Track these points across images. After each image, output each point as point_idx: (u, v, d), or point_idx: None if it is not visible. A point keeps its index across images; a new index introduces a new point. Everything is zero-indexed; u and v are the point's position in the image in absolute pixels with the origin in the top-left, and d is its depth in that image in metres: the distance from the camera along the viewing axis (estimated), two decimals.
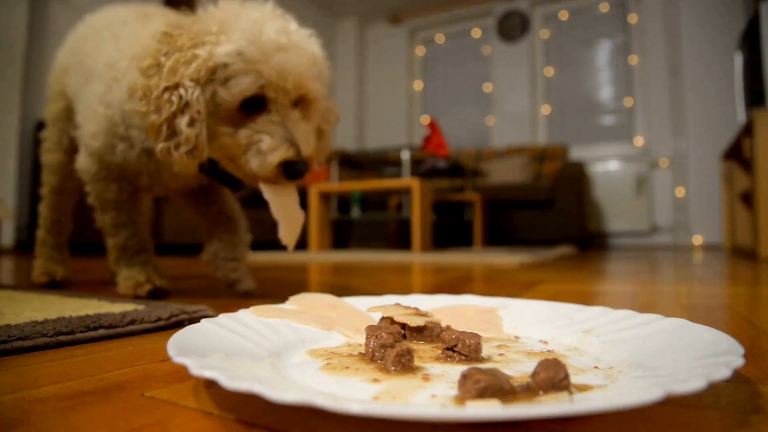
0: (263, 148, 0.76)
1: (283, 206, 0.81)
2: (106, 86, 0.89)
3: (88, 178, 0.99)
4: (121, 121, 0.89)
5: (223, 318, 0.51)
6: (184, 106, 0.74)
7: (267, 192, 0.80)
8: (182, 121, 0.74)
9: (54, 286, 1.20)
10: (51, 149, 1.20)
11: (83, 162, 0.99)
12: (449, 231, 4.36)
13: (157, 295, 0.98)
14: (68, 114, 1.15)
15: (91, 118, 0.93)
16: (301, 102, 0.80)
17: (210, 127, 0.78)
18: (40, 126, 3.36)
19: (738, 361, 0.33)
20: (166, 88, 0.74)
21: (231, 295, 1.05)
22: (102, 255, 1.38)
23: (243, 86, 0.74)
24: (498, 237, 4.34)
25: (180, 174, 0.91)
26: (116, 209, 0.99)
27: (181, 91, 0.74)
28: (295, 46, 0.75)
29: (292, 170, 0.76)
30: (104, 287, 1.20)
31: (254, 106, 0.77)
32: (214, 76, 0.75)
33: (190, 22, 0.79)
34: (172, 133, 0.76)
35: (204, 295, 1.06)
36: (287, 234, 0.82)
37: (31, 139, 3.44)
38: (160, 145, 0.76)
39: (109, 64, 0.90)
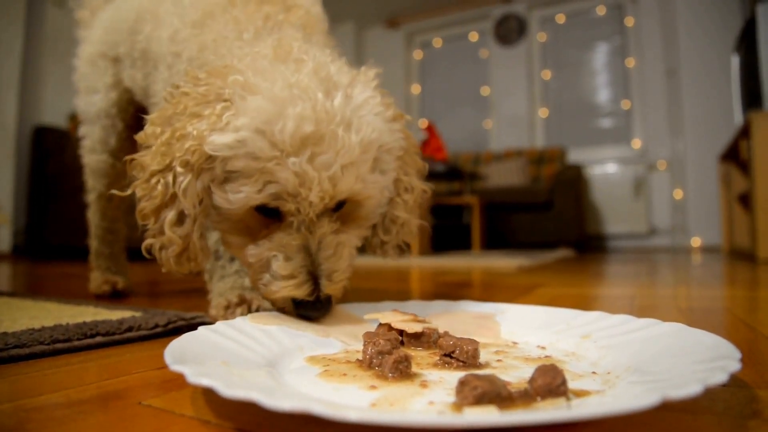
0: (273, 272, 0.59)
1: None
2: (171, 70, 0.77)
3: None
4: None
5: (221, 325, 0.51)
6: (173, 198, 0.58)
7: None
8: (167, 219, 0.58)
9: (117, 295, 1.12)
10: (94, 149, 1.07)
11: None
12: (447, 234, 4.36)
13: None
14: (119, 107, 1.04)
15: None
16: (345, 205, 0.61)
17: (217, 228, 0.62)
18: (38, 130, 3.39)
19: (735, 366, 0.33)
20: (158, 171, 0.58)
21: None
22: None
23: (245, 195, 0.55)
24: (496, 240, 4.35)
25: None
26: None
27: (169, 177, 0.57)
28: (331, 134, 0.53)
29: (304, 311, 0.59)
30: (139, 297, 1.15)
31: (272, 212, 0.58)
32: (211, 164, 0.56)
33: (209, 76, 0.59)
34: (159, 230, 0.60)
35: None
36: None
37: (29, 144, 3.43)
38: (147, 242, 0.61)
39: (171, 38, 0.77)
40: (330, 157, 0.53)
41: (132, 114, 1.07)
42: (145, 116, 0.76)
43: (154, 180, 0.58)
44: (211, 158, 0.56)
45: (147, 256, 0.62)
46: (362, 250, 0.71)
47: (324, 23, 0.81)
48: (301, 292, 0.58)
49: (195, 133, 0.55)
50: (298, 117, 0.52)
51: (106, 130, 1.06)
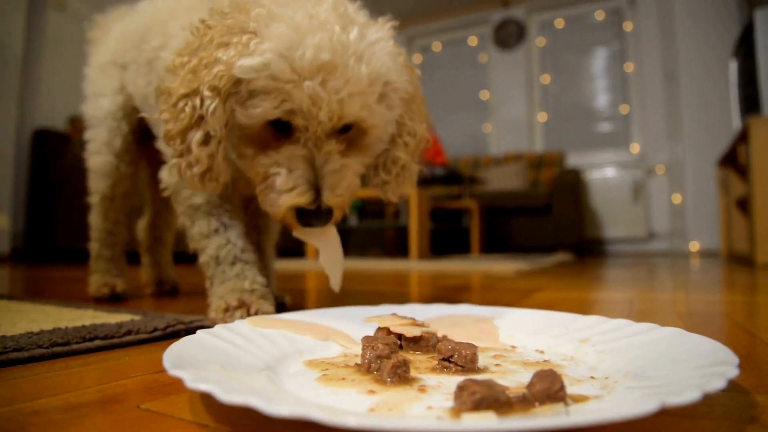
0: (277, 185, 0.63)
1: (321, 247, 0.71)
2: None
3: (176, 187, 0.86)
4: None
5: (220, 328, 0.51)
6: (199, 120, 0.63)
7: (296, 233, 0.68)
8: (194, 138, 0.63)
9: (115, 299, 1.12)
10: (99, 151, 1.09)
11: (167, 177, 0.87)
12: (447, 238, 4.36)
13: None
14: (124, 111, 1.07)
15: None
16: (352, 130, 0.65)
17: (235, 145, 0.66)
18: (38, 134, 3.39)
19: (733, 372, 0.33)
20: (184, 95, 0.63)
21: None
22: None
23: (263, 109, 0.60)
24: (495, 244, 4.35)
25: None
26: (207, 216, 0.84)
27: (197, 100, 0.62)
28: (343, 64, 0.59)
29: (304, 220, 0.64)
30: (141, 299, 1.16)
31: (283, 128, 0.63)
32: (237, 88, 0.61)
33: (234, 9, 0.64)
34: (187, 149, 0.64)
35: None
36: (329, 271, 0.73)
37: (28, 147, 3.43)
38: (173, 162, 0.66)
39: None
40: (340, 84, 0.59)
41: (136, 119, 1.09)
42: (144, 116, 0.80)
43: (181, 103, 0.63)
44: (237, 82, 0.61)
45: (176, 176, 0.67)
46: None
47: None
48: (304, 200, 0.62)
49: (224, 59, 0.60)
50: (317, 46, 0.58)
51: (112, 132, 1.08)
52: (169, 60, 0.83)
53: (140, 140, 1.13)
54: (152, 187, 1.24)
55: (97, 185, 1.12)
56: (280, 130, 0.64)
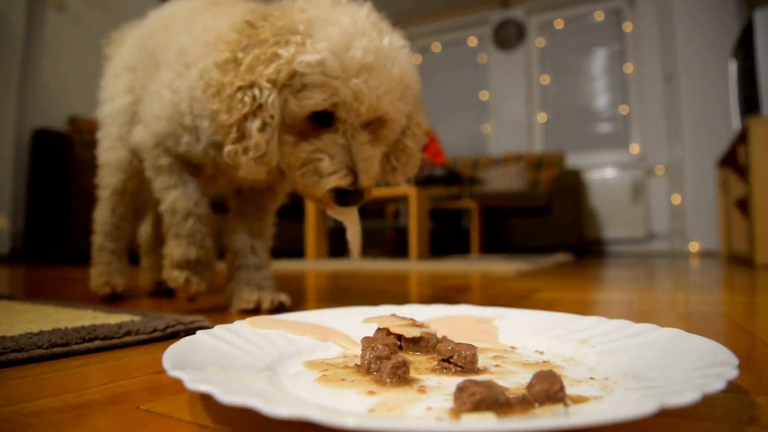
0: (321, 169, 0.72)
1: (348, 223, 0.80)
2: (175, 72, 0.86)
3: (143, 149, 0.95)
4: (189, 110, 0.85)
5: (219, 329, 0.50)
6: (258, 109, 0.70)
7: (330, 211, 0.78)
8: (254, 125, 0.70)
9: (115, 299, 1.14)
10: (113, 147, 1.14)
11: (141, 135, 0.94)
12: (446, 239, 4.36)
13: (194, 269, 0.93)
14: (134, 108, 1.10)
15: (156, 100, 0.89)
16: (375, 122, 0.74)
17: (280, 134, 0.74)
18: (38, 134, 3.38)
19: (732, 373, 0.33)
20: (240, 87, 0.70)
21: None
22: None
23: (315, 100, 0.68)
24: (495, 244, 4.35)
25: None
26: (169, 173, 0.94)
27: (256, 91, 0.69)
28: (381, 65, 0.69)
29: (343, 199, 0.72)
30: (140, 299, 1.16)
31: (323, 120, 0.71)
32: (291, 81, 0.69)
33: (277, 13, 0.72)
34: (242, 136, 0.71)
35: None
36: (352, 244, 0.82)
37: (28, 148, 3.43)
38: (229, 148, 0.72)
39: (181, 50, 0.87)
40: (378, 82, 0.69)
41: None
42: None
43: (239, 95, 0.70)
44: (292, 76, 0.69)
45: (228, 161, 0.74)
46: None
47: None
48: (345, 182, 0.71)
49: (285, 55, 0.68)
50: (364, 49, 0.67)
51: (124, 128, 1.12)
52: (164, 50, 0.91)
53: None
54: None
55: (109, 180, 1.15)
56: (320, 121, 0.72)
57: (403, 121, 0.78)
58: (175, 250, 0.93)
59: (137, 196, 1.20)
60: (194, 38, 0.87)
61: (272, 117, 0.70)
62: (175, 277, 0.93)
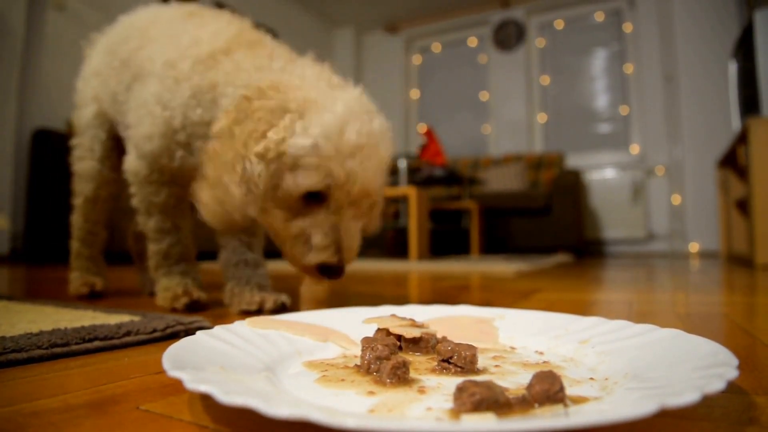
0: (313, 243, 0.75)
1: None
2: (164, 86, 0.87)
3: (137, 180, 0.96)
4: (182, 126, 0.87)
5: (219, 330, 0.50)
6: (245, 179, 0.74)
7: (311, 280, 0.82)
8: (239, 191, 0.74)
9: (95, 296, 1.18)
10: (83, 157, 1.17)
11: (134, 164, 0.96)
12: (446, 239, 4.36)
13: (194, 308, 0.95)
14: (99, 119, 1.13)
15: (145, 118, 0.90)
16: (362, 200, 0.77)
17: (264, 202, 0.76)
18: (37, 134, 3.38)
19: (732, 373, 0.33)
20: (233, 158, 0.74)
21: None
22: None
23: (311, 181, 0.71)
24: (495, 245, 4.35)
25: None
26: (162, 213, 0.96)
27: (247, 164, 0.73)
28: (372, 147, 0.73)
29: (327, 273, 0.76)
30: (140, 299, 1.18)
31: (316, 197, 0.75)
32: (282, 159, 0.72)
33: (271, 92, 0.75)
34: (225, 193, 0.75)
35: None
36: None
37: (28, 148, 3.43)
38: (205, 199, 0.77)
39: (169, 63, 0.87)
40: (371, 164, 0.72)
41: (109, 125, 1.15)
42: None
43: (231, 164, 0.74)
44: (283, 155, 0.71)
45: (196, 203, 0.79)
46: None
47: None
48: (334, 259, 0.75)
49: (274, 138, 0.71)
50: (357, 132, 0.71)
51: (93, 140, 1.16)
52: (145, 60, 0.93)
53: (119, 147, 1.18)
54: None
55: (81, 188, 1.18)
56: (313, 198, 0.74)
57: (381, 188, 0.81)
58: (169, 284, 0.96)
59: (110, 204, 1.22)
60: (181, 51, 0.87)
61: (256, 186, 0.73)
62: (179, 305, 0.95)
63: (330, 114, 0.71)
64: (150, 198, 0.96)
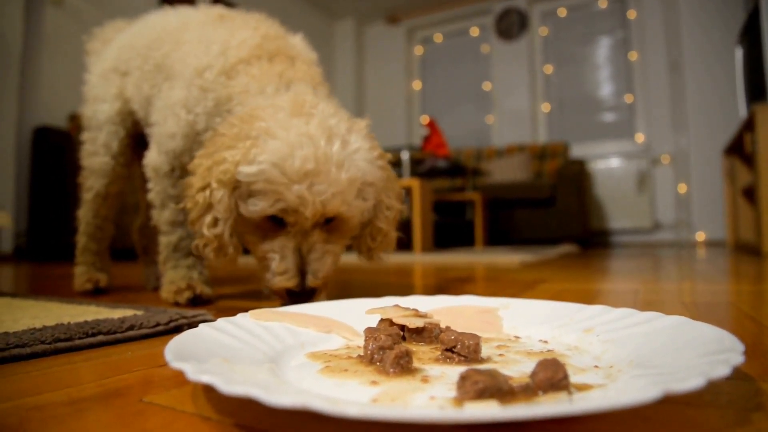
0: (271, 268, 0.78)
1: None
2: (190, 93, 0.90)
3: (157, 175, 0.98)
4: (204, 130, 0.90)
5: (222, 322, 0.50)
6: (209, 207, 0.76)
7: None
8: (204, 222, 0.77)
9: (99, 293, 1.18)
10: (97, 152, 1.17)
11: (155, 160, 0.98)
12: (450, 231, 4.35)
13: (197, 302, 0.96)
14: (122, 117, 1.14)
15: (170, 118, 0.93)
16: (334, 220, 0.79)
17: (239, 228, 0.79)
18: (38, 132, 3.39)
19: (738, 359, 0.33)
20: (199, 188, 0.77)
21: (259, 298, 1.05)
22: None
23: (260, 207, 0.74)
24: (499, 236, 4.34)
25: None
26: (177, 206, 0.97)
27: (207, 192, 0.76)
28: (327, 171, 0.73)
29: (293, 298, 0.78)
30: (143, 294, 1.18)
31: (277, 221, 0.77)
32: (239, 184, 0.75)
33: (236, 121, 0.78)
34: (200, 231, 0.79)
35: (242, 298, 1.05)
36: None
37: (29, 145, 3.44)
38: (195, 242, 0.81)
39: (198, 71, 0.90)
40: (323, 187, 0.72)
41: (131, 123, 1.17)
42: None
43: (198, 195, 0.77)
44: (239, 180, 0.74)
45: (195, 253, 0.82)
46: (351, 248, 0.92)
47: (319, 68, 0.99)
48: (291, 284, 0.77)
49: (230, 159, 0.74)
50: (303, 157, 0.71)
51: (110, 136, 1.16)
52: (176, 61, 0.96)
53: (134, 144, 1.21)
54: (145, 190, 1.27)
55: (92, 184, 1.19)
56: (276, 222, 0.77)
57: (365, 215, 0.83)
58: (175, 278, 0.97)
59: (119, 200, 1.23)
60: (210, 59, 0.90)
61: (222, 213, 0.76)
62: (181, 299, 0.96)
63: (279, 141, 0.72)
64: (167, 190, 0.98)
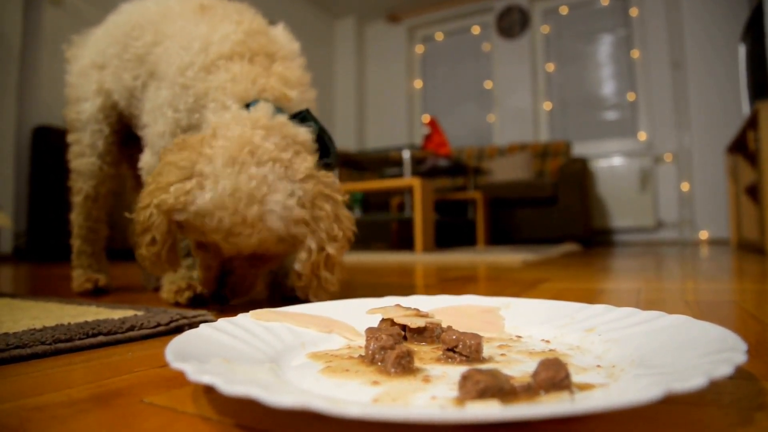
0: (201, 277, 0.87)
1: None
2: (174, 92, 0.91)
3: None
4: (188, 127, 0.91)
5: (222, 322, 0.50)
6: (148, 227, 0.80)
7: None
8: (143, 240, 0.81)
9: (99, 292, 1.18)
10: (83, 153, 1.15)
11: (149, 161, 0.98)
12: (452, 230, 4.35)
13: (198, 302, 0.95)
14: (105, 113, 1.12)
15: (159, 118, 0.94)
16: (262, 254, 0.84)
17: (191, 243, 0.87)
18: (38, 131, 3.39)
19: (740, 358, 0.33)
20: (143, 207, 0.80)
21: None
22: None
23: (188, 238, 0.85)
24: (501, 235, 4.33)
25: None
26: None
27: (147, 213, 0.79)
28: (240, 232, 0.77)
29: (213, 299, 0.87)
30: (143, 294, 1.18)
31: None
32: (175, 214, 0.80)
33: (189, 144, 0.80)
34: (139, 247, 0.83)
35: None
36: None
37: (28, 145, 3.44)
38: (137, 252, 0.85)
39: (180, 70, 0.90)
40: (240, 239, 0.77)
41: (116, 119, 1.15)
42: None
43: (141, 213, 0.81)
44: (170, 207, 0.78)
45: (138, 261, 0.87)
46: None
47: (300, 59, 0.98)
48: (206, 293, 0.88)
49: (172, 191, 0.77)
50: (220, 219, 0.75)
51: (95, 135, 1.14)
52: (161, 60, 0.95)
53: (121, 142, 1.19)
54: (137, 190, 1.28)
55: (81, 186, 1.17)
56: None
57: (290, 248, 0.84)
58: (175, 278, 0.98)
59: (111, 200, 1.22)
60: (192, 56, 0.90)
61: (158, 235, 0.80)
62: (182, 299, 0.96)
63: (207, 195, 0.76)
64: None
